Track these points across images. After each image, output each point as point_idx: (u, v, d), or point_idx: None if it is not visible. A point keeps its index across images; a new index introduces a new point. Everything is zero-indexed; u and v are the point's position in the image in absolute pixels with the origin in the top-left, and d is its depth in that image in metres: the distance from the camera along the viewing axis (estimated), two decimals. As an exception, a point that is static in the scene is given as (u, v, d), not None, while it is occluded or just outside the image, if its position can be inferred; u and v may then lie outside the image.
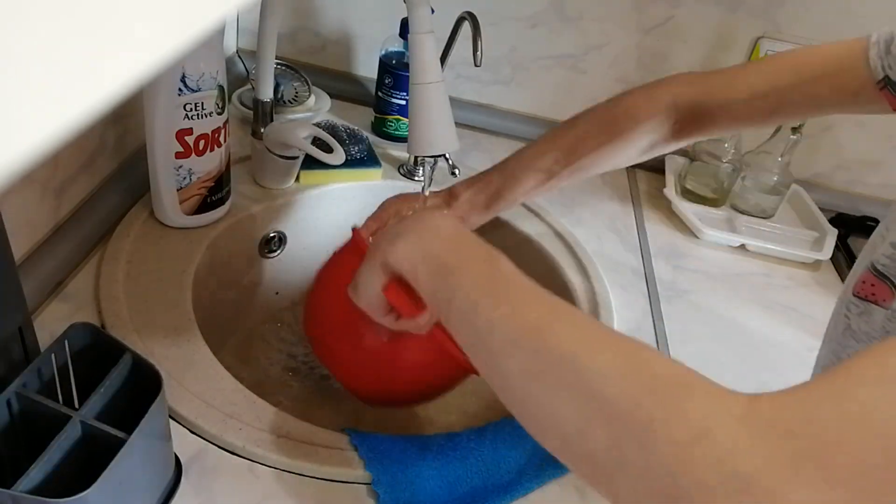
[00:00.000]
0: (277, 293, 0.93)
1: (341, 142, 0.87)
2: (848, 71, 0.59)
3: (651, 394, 0.32)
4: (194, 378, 0.61)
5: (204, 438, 0.57)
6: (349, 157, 0.90)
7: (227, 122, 0.76)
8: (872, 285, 0.52)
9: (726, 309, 0.88)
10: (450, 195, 0.72)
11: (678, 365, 0.34)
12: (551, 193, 1.01)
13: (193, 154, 0.73)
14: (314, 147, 0.81)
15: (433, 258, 0.45)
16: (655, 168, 1.13)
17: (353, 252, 0.61)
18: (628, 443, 0.32)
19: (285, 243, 0.91)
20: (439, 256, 0.45)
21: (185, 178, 0.74)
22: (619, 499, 0.34)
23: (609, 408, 0.33)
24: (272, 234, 0.89)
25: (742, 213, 1.06)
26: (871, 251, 0.54)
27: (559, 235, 0.94)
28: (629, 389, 0.33)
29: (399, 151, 1.03)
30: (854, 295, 0.54)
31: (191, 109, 0.70)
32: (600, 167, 0.71)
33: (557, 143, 0.70)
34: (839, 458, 0.29)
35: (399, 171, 0.99)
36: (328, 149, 0.84)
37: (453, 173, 0.97)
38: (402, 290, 0.50)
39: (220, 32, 0.80)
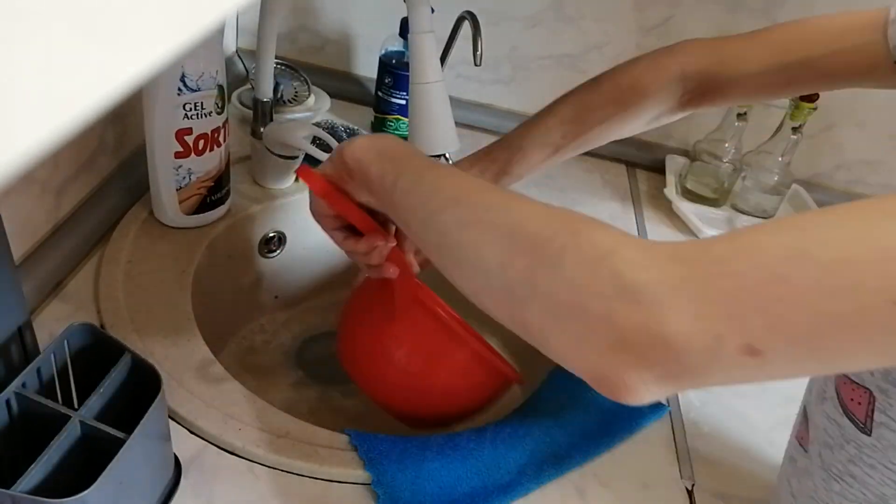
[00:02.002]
0: (277, 297, 0.93)
1: (341, 141, 0.87)
2: (864, 48, 0.57)
3: (566, 227, 0.37)
4: (194, 378, 0.61)
5: (204, 438, 0.57)
6: (349, 157, 0.90)
7: (226, 121, 0.76)
8: None
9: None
10: None
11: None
12: (552, 192, 1.01)
13: (193, 154, 0.73)
14: (314, 147, 0.81)
15: (384, 150, 0.51)
16: (655, 168, 1.13)
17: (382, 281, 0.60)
18: (542, 268, 0.36)
19: (285, 243, 0.91)
20: (389, 149, 0.51)
21: (184, 178, 0.74)
22: (528, 325, 0.38)
23: (528, 241, 0.38)
24: (272, 234, 0.89)
25: (743, 212, 1.06)
26: None
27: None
28: (547, 225, 0.38)
29: (399, 151, 1.03)
30: None
31: (190, 109, 0.70)
32: (606, 139, 0.71)
33: (563, 116, 0.70)
34: (720, 281, 0.32)
35: (399, 171, 0.99)
36: (328, 149, 0.84)
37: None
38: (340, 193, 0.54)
39: (220, 32, 0.80)
